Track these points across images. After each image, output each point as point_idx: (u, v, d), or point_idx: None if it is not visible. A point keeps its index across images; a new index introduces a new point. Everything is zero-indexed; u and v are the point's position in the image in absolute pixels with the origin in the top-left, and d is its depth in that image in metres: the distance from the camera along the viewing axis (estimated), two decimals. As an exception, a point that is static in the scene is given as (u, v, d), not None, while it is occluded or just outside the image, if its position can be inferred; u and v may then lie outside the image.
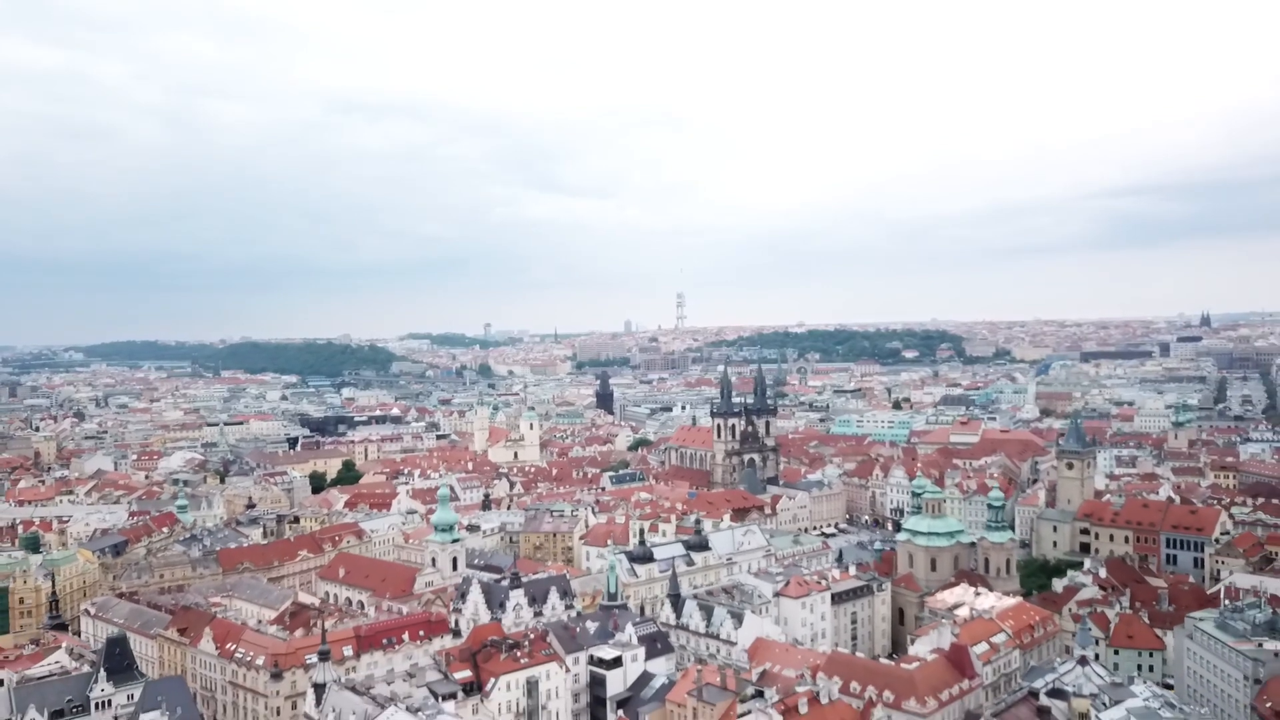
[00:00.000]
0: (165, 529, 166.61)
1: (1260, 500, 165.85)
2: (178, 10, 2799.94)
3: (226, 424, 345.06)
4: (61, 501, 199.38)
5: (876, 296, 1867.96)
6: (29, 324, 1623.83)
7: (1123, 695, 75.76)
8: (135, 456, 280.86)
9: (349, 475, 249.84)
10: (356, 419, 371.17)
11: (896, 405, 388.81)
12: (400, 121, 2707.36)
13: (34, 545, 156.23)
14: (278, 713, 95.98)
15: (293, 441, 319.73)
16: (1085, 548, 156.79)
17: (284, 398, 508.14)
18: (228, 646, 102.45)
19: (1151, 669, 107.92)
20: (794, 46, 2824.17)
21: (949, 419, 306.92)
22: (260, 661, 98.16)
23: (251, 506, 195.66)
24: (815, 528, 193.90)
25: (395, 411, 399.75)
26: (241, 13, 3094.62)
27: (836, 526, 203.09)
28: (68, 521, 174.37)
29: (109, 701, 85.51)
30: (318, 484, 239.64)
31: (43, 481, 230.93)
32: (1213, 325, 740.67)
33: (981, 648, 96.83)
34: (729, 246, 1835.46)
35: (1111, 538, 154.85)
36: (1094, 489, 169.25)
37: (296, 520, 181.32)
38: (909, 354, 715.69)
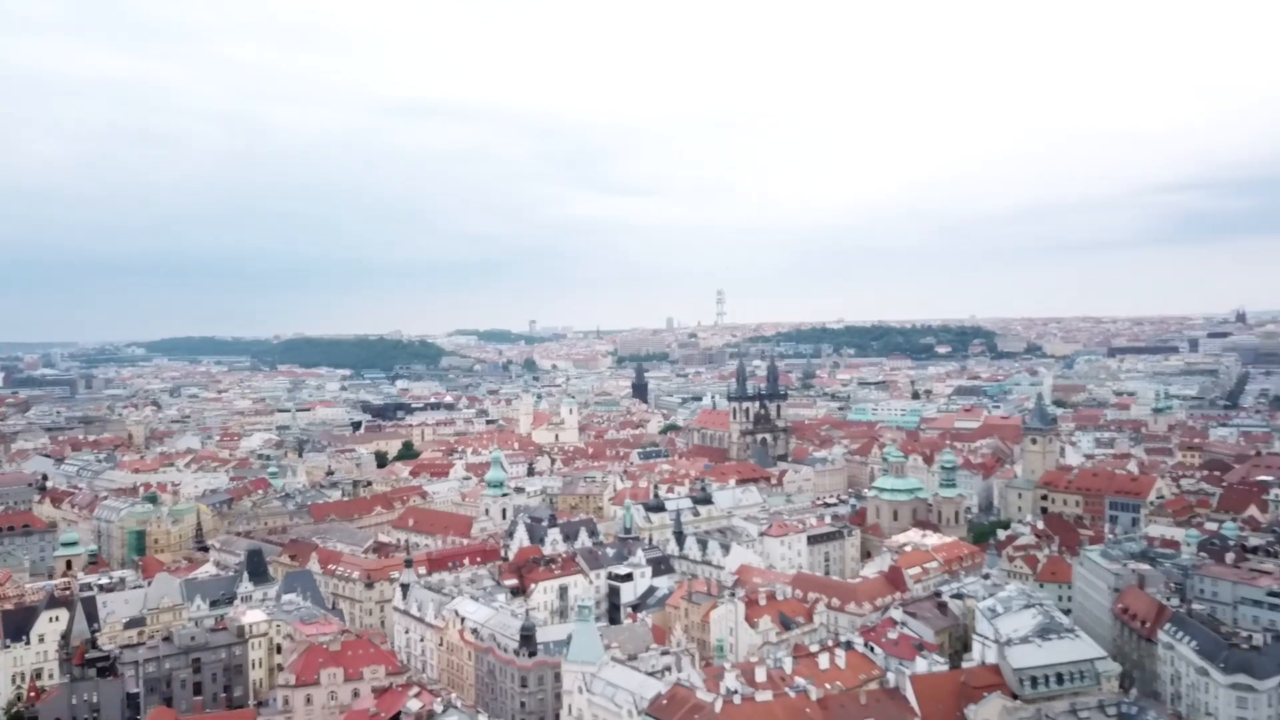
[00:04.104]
0: (261, 490, 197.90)
1: (1205, 473, 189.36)
2: (239, 19, 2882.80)
3: (297, 409, 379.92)
4: (166, 471, 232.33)
5: (916, 294, 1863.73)
6: (90, 321, 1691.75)
7: (996, 591, 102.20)
8: (218, 437, 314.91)
9: (409, 453, 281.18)
10: (413, 406, 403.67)
11: (915, 396, 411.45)
12: (450, 123, 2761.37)
13: (154, 501, 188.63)
14: (370, 613, 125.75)
15: (356, 425, 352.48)
16: (1044, 511, 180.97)
17: (343, 388, 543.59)
18: (329, 566, 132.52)
19: (1071, 599, 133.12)
20: (834, 47, 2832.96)
21: (957, 408, 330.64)
22: (356, 575, 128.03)
23: (330, 474, 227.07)
24: (819, 498, 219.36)
25: (448, 400, 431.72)
26: (297, 20, 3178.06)
27: (838, 498, 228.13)
28: (179, 485, 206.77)
29: (251, 596, 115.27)
30: (381, 461, 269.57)
31: (143, 457, 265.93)
32: (1248, 321, 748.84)
33: (914, 570, 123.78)
34: (771, 244, 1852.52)
35: (1065, 502, 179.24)
36: (1056, 462, 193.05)
37: (369, 484, 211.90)
38: (942, 350, 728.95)
